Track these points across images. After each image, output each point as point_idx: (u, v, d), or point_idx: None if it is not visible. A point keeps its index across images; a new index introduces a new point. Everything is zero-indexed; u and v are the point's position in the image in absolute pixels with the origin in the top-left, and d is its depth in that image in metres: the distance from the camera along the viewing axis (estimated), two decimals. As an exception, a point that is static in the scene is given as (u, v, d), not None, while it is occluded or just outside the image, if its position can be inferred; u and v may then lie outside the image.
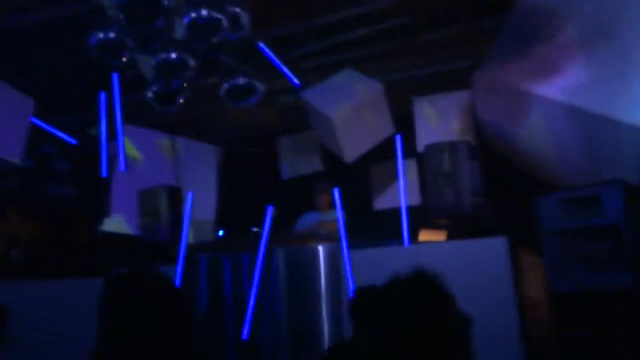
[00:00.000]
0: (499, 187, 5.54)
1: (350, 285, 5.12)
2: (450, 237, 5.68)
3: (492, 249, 4.86)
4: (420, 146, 5.57)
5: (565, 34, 4.47)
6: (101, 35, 4.57)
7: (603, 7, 4.36)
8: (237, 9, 4.59)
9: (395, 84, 5.67)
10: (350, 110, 5.42)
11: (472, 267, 4.90)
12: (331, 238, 5.57)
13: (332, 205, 5.96)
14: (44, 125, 5.78)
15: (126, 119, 5.57)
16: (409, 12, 5.29)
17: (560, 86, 4.47)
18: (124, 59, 4.78)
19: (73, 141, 6.18)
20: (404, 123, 5.69)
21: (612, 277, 4.59)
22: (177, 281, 5.45)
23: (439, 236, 5.71)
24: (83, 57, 4.70)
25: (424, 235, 5.79)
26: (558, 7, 4.54)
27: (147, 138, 6.16)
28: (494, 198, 5.44)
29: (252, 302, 5.23)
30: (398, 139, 5.59)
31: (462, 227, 5.49)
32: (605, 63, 4.27)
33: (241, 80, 5.09)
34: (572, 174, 4.92)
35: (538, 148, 5.02)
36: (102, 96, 5.41)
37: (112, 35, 4.55)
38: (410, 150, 5.70)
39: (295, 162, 6.36)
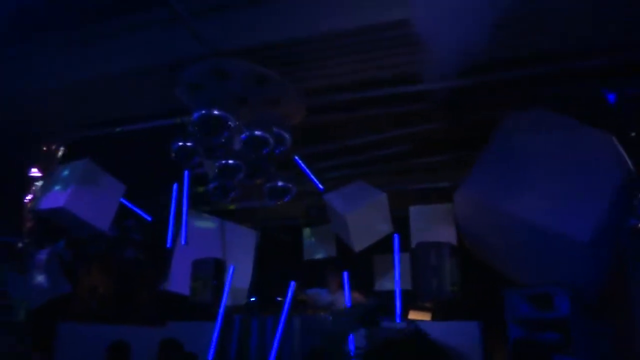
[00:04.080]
0: (472, 280, 5.66)
1: (352, 349, 5.35)
2: (434, 317, 5.84)
3: (467, 331, 5.04)
4: (413, 243, 5.81)
5: (517, 168, 4.88)
6: (181, 142, 4.86)
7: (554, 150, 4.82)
8: (282, 132, 4.88)
9: (396, 194, 5.90)
10: (360, 211, 5.65)
11: (450, 343, 4.94)
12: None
13: (341, 286, 6.23)
14: (128, 203, 6.14)
15: (191, 206, 5.88)
16: (407, 143, 5.63)
17: (519, 205, 4.77)
18: (195, 161, 5.01)
19: (149, 218, 6.47)
20: (402, 225, 5.93)
21: (560, 361, 4.80)
22: (215, 335, 5.65)
23: (425, 316, 5.86)
24: (165, 158, 4.98)
25: (412, 315, 5.93)
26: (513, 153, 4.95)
27: (204, 220, 6.46)
28: (468, 288, 5.54)
29: (272, 357, 5.42)
30: (396, 237, 5.90)
31: (443, 310, 5.66)
32: (549, 187, 4.66)
33: (279, 183, 5.30)
34: (529, 273, 5.16)
35: (503, 251, 5.29)
36: (175, 187, 5.84)
37: (189, 143, 4.86)
38: (405, 246, 5.91)
39: (314, 247, 6.55)
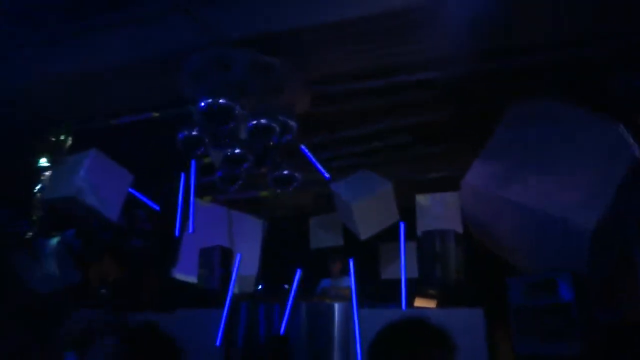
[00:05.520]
0: (477, 267, 5.63)
1: (357, 337, 5.33)
2: (439, 305, 5.78)
3: (471, 318, 4.97)
4: (419, 232, 5.76)
5: (523, 157, 4.83)
6: (186, 132, 4.82)
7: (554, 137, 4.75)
8: (288, 120, 4.82)
9: (401, 183, 5.87)
10: (366, 200, 5.63)
11: (454, 330, 5.13)
12: (345, 298, 5.79)
13: (343, 272, 6.17)
14: (137, 193, 6.12)
15: (198, 195, 5.88)
16: (410, 132, 5.60)
17: (524, 193, 4.75)
18: (201, 151, 4.98)
19: (156, 207, 6.45)
20: (407, 213, 5.89)
21: (564, 346, 4.77)
22: (222, 322, 5.67)
23: (430, 303, 5.82)
24: (171, 147, 4.95)
25: (418, 302, 5.88)
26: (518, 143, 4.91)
27: (211, 210, 6.45)
28: (473, 276, 5.53)
29: (279, 343, 5.46)
30: (402, 225, 5.84)
31: (447, 297, 5.63)
32: (555, 176, 4.62)
33: (285, 172, 5.33)
34: (533, 260, 5.12)
35: (509, 239, 5.24)
36: (182, 176, 5.83)
37: (194, 133, 4.80)
38: (411, 234, 5.85)
39: (321, 236, 6.53)
